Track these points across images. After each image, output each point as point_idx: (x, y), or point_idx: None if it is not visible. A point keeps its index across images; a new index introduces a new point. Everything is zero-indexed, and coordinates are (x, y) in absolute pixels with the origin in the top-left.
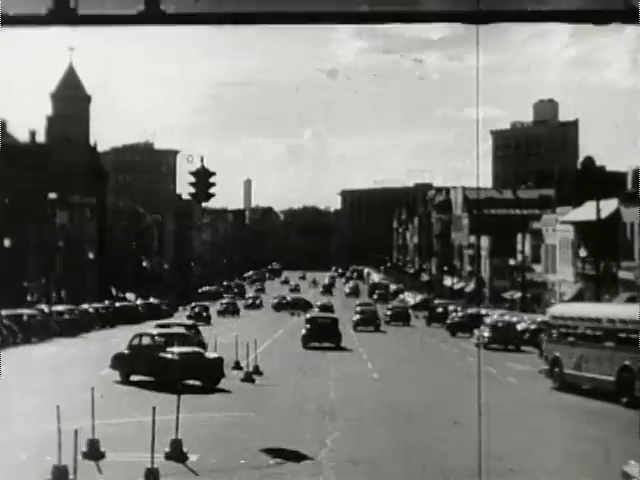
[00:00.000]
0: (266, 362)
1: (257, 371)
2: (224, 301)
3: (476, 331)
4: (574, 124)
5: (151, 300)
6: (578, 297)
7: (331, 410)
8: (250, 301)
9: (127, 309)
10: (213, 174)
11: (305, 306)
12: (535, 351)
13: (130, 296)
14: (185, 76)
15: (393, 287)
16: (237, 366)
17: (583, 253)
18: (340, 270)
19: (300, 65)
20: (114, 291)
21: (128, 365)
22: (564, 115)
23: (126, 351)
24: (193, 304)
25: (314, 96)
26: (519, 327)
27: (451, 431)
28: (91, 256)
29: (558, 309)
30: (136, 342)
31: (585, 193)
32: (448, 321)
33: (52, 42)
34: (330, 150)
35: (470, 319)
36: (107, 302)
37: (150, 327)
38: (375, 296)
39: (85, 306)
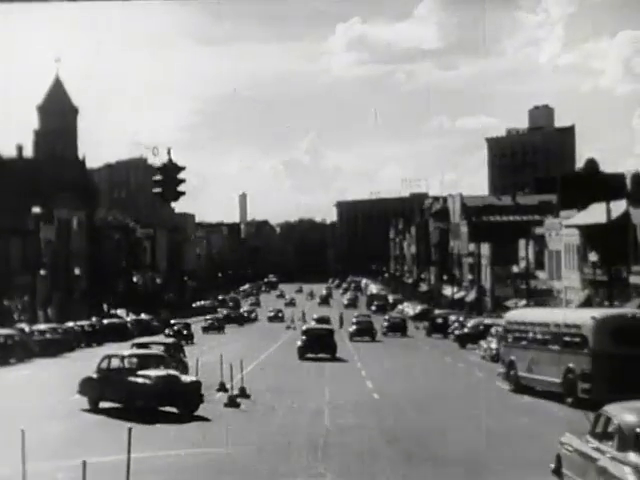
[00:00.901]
0: (256, 382)
1: (243, 393)
2: (208, 317)
3: (483, 343)
4: (570, 130)
5: (142, 316)
6: (586, 304)
7: (325, 444)
8: (245, 315)
9: (115, 326)
10: (182, 169)
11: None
12: None
13: (122, 312)
14: (176, 90)
15: (392, 298)
16: (222, 388)
17: (594, 257)
18: (337, 281)
19: (293, 78)
20: (105, 307)
21: (96, 390)
22: (559, 122)
23: (94, 375)
24: (172, 321)
25: (308, 109)
26: None
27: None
28: (77, 272)
29: (513, 314)
30: (105, 365)
31: (589, 196)
32: (457, 332)
33: (38, 53)
34: (325, 162)
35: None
36: (94, 319)
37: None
38: (374, 307)
39: (70, 324)
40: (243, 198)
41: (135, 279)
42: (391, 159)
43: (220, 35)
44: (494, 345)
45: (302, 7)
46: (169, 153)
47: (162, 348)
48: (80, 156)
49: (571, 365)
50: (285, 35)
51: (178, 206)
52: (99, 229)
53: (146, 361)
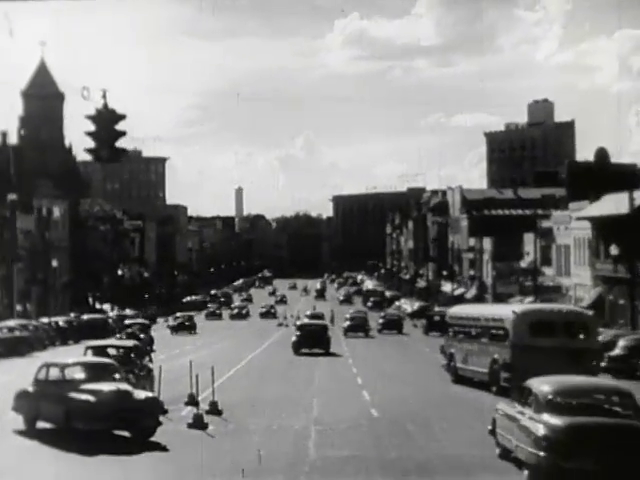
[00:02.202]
0: (234, 391)
1: (215, 409)
2: (178, 314)
3: None
4: (570, 125)
5: (127, 311)
6: (598, 303)
7: None
8: (236, 311)
9: (95, 322)
10: (122, 118)
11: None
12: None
13: (108, 308)
14: (172, 85)
15: (388, 294)
16: (191, 401)
17: (615, 251)
18: (333, 276)
19: (290, 73)
20: (91, 302)
21: (32, 407)
22: (557, 117)
23: (30, 388)
24: (127, 322)
25: (305, 104)
26: None
27: None
28: (55, 264)
29: (454, 310)
30: (42, 375)
31: (600, 187)
32: None
33: (23, 36)
34: (322, 158)
35: None
36: (72, 314)
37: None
38: (370, 303)
39: (45, 320)
40: (239, 193)
41: (120, 272)
42: (388, 155)
43: (217, 30)
44: None
45: (300, 3)
46: (104, 97)
47: (122, 352)
48: (67, 144)
49: (496, 356)
50: (282, 31)
51: (171, 199)
52: (84, 220)
53: (92, 371)
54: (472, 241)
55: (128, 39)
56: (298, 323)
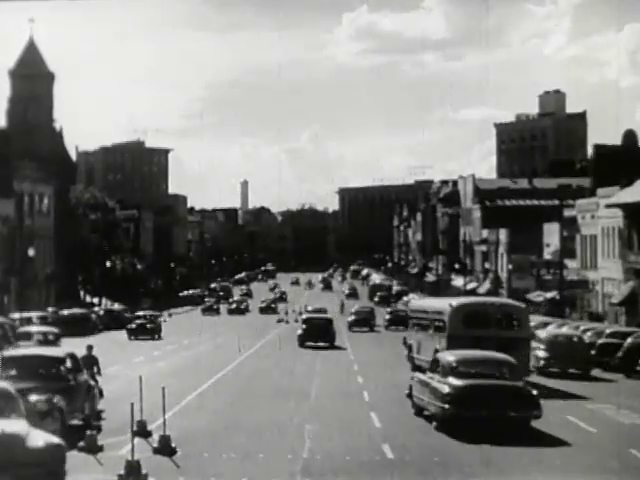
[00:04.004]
0: (202, 415)
1: (165, 447)
2: (139, 313)
3: None
4: (581, 116)
5: (115, 306)
6: (630, 299)
7: None
8: (234, 305)
9: (77, 318)
10: None
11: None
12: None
13: (102, 302)
14: (179, 77)
15: (396, 288)
16: (141, 431)
17: None
18: (340, 270)
19: (297, 66)
20: (82, 295)
21: None
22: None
23: None
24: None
25: (312, 97)
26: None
27: None
28: (31, 253)
29: (413, 304)
30: None
31: (630, 172)
32: None
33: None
34: (328, 151)
35: None
36: (50, 309)
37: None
38: (376, 298)
39: (15, 315)
40: (244, 186)
41: (109, 264)
42: (395, 149)
43: (225, 23)
44: (543, 353)
45: None
46: None
47: (48, 364)
48: (57, 127)
49: (437, 346)
50: (290, 24)
51: (175, 191)
52: (73, 208)
53: None
54: (485, 233)
55: (133, 31)
56: (303, 317)
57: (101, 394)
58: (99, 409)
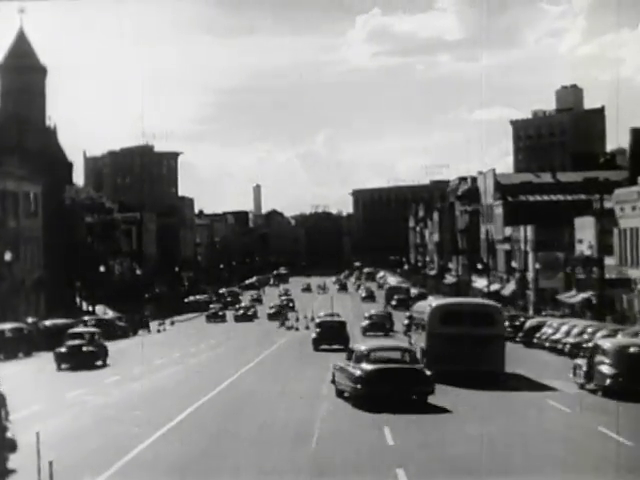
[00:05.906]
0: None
1: None
2: (75, 330)
3: (579, 361)
4: (600, 111)
5: (110, 314)
6: None
7: None
8: (241, 312)
9: (58, 330)
10: None
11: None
12: None
13: (101, 309)
14: (190, 82)
15: (414, 291)
16: None
17: None
18: (356, 272)
19: (311, 70)
20: (78, 303)
21: None
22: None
23: None
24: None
25: (326, 100)
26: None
27: None
28: (8, 258)
29: (415, 306)
30: None
31: None
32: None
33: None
34: (343, 154)
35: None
36: (30, 319)
37: None
38: (394, 302)
39: None
40: (257, 190)
41: (104, 269)
42: (410, 150)
43: (236, 26)
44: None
45: None
46: None
47: None
48: (51, 123)
49: (421, 344)
50: (303, 27)
51: (183, 194)
52: (67, 209)
53: None
54: (508, 230)
55: (143, 33)
56: (317, 321)
57: (13, 447)
58: (9, 468)
